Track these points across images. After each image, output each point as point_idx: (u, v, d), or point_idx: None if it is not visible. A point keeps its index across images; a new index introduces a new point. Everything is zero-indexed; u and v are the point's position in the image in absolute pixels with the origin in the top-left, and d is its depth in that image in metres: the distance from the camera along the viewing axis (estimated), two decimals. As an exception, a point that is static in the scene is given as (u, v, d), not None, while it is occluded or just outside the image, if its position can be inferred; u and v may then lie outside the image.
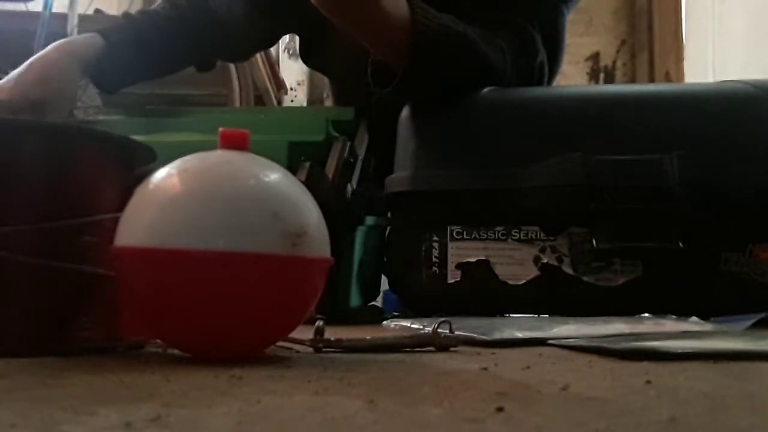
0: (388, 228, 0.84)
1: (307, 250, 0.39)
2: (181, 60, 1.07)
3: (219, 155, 0.41)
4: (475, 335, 0.51)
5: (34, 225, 0.41)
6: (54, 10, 1.40)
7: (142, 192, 0.40)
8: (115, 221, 0.40)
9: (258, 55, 1.70)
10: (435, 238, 0.76)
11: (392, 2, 0.73)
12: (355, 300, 0.82)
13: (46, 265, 0.41)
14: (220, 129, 0.42)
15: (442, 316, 0.59)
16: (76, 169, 0.44)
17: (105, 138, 0.47)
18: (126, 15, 1.03)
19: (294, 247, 0.39)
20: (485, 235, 0.76)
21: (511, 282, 0.75)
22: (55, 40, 0.92)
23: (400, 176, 0.79)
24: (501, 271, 0.75)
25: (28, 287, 0.42)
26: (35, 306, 0.42)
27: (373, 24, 0.73)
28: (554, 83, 1.02)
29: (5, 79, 0.89)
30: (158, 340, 0.45)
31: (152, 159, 0.47)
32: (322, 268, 0.42)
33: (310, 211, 0.41)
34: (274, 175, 0.41)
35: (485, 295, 0.75)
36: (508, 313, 0.76)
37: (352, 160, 0.81)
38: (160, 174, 0.40)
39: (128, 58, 0.97)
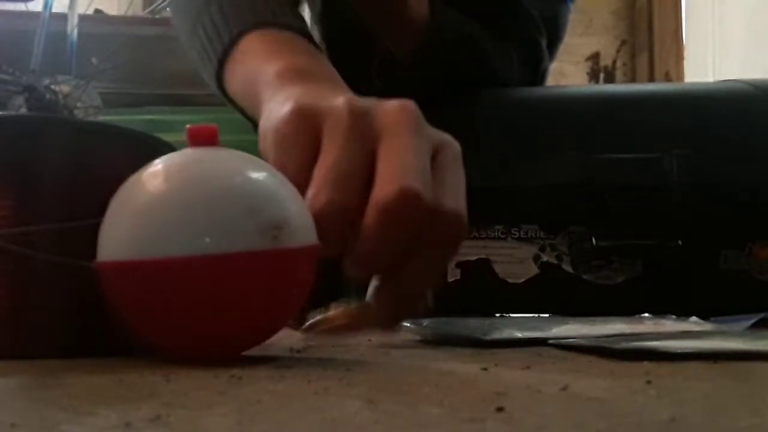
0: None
1: (290, 241, 0.38)
2: None
3: (188, 154, 0.40)
4: (475, 335, 0.51)
5: (59, 224, 0.41)
6: (54, 10, 1.40)
7: (114, 203, 0.39)
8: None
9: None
10: (435, 238, 0.76)
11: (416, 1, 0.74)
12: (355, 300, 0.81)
13: (71, 264, 0.41)
14: (188, 126, 0.40)
15: (441, 316, 0.59)
16: (102, 166, 0.44)
17: (131, 136, 0.47)
18: None
19: (275, 240, 0.37)
20: (485, 234, 0.75)
21: (510, 280, 0.75)
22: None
23: (400, 176, 0.79)
24: (501, 269, 0.75)
25: (53, 287, 0.42)
26: (59, 306, 0.42)
27: (394, 18, 0.74)
28: (552, 81, 1.02)
29: None
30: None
31: None
32: (309, 255, 0.40)
33: (289, 200, 0.40)
34: (246, 168, 0.40)
35: (485, 293, 0.75)
36: (508, 312, 0.76)
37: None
38: (130, 182, 0.40)
39: None
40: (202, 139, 0.40)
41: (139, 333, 0.42)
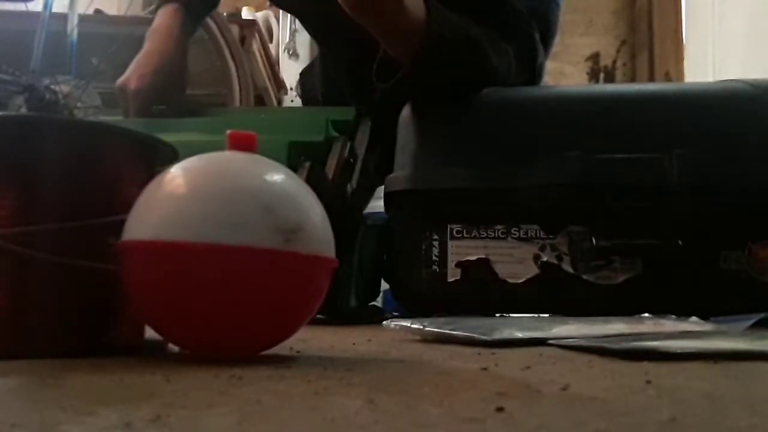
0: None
1: (302, 247, 0.39)
2: None
3: (224, 155, 0.42)
4: (475, 335, 0.51)
5: (59, 224, 0.41)
6: (54, 10, 1.40)
7: (146, 191, 0.41)
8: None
9: (258, 55, 1.70)
10: (435, 237, 0.76)
11: (412, 2, 0.74)
12: (355, 300, 0.82)
13: (71, 264, 0.41)
14: (228, 131, 0.42)
15: (441, 315, 0.59)
16: (102, 167, 0.44)
17: (131, 136, 0.47)
18: None
19: (287, 243, 0.38)
20: (485, 234, 0.76)
21: (510, 280, 0.75)
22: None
23: (400, 175, 0.79)
24: (501, 269, 0.75)
25: (53, 287, 0.42)
26: (60, 306, 0.42)
27: (391, 22, 0.74)
28: (552, 81, 1.03)
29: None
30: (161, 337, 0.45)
31: (175, 158, 0.47)
32: (321, 266, 0.41)
33: (309, 209, 0.41)
34: (274, 173, 0.41)
35: (485, 293, 0.75)
36: (508, 312, 0.76)
37: (352, 160, 0.81)
38: (163, 174, 0.41)
39: None
40: (241, 144, 0.42)
41: (151, 319, 0.42)
